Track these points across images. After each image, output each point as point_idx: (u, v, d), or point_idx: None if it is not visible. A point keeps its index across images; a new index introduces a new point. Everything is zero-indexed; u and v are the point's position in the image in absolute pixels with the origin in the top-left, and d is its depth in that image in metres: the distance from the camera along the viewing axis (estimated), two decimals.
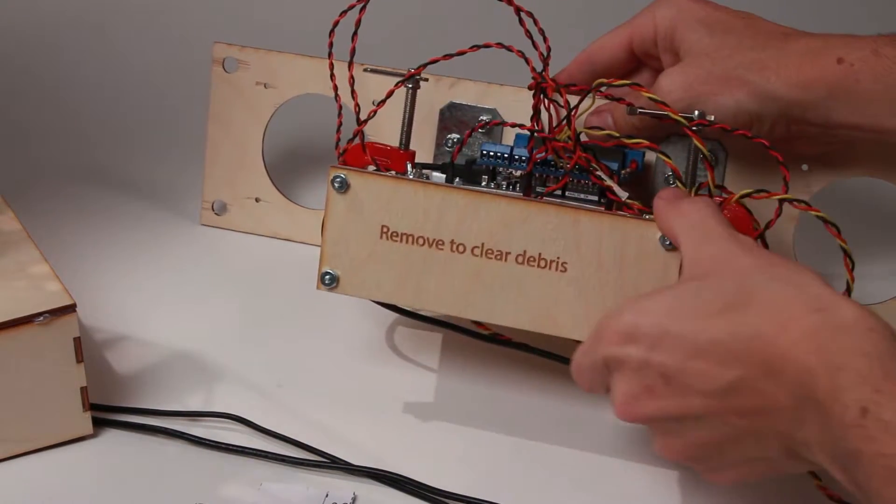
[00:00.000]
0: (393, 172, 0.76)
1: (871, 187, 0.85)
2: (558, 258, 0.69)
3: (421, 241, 0.70)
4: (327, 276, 0.72)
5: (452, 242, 0.70)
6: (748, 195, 0.69)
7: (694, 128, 0.70)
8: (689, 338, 0.59)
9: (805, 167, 0.82)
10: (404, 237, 0.70)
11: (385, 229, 0.70)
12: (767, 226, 0.72)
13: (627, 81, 0.72)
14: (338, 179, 0.70)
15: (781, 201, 0.70)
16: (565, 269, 0.69)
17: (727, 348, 0.58)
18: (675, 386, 0.59)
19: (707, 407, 0.59)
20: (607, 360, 0.62)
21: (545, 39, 0.77)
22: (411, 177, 0.76)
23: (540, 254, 0.69)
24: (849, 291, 0.69)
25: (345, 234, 0.71)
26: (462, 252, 0.70)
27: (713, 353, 0.58)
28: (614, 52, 0.81)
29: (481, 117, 0.85)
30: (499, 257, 0.69)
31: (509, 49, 0.76)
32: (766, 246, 0.71)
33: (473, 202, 0.69)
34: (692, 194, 0.71)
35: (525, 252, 0.69)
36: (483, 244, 0.69)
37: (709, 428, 0.60)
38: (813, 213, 0.68)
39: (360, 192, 0.70)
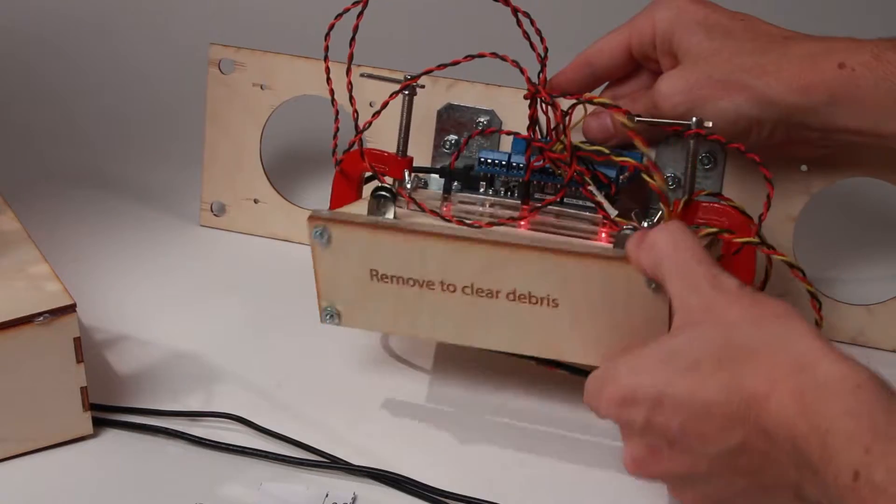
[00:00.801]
0: (372, 218, 0.73)
1: (871, 187, 0.85)
2: (548, 296, 0.67)
3: (411, 282, 0.69)
4: (327, 313, 0.72)
5: (442, 283, 0.69)
6: (713, 234, 0.70)
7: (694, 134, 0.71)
8: (686, 401, 0.58)
9: (804, 168, 0.82)
10: (394, 279, 0.69)
11: (374, 272, 0.69)
12: (760, 218, 0.72)
13: (608, 101, 0.72)
14: (317, 230, 0.69)
15: (744, 244, 0.70)
16: (556, 305, 0.67)
17: (724, 411, 0.57)
18: (680, 448, 0.59)
19: (712, 468, 0.59)
20: (610, 419, 0.62)
21: (542, 40, 0.77)
22: (409, 188, 0.77)
23: (530, 292, 0.67)
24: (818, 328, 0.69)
25: (335, 278, 0.71)
26: (453, 291, 0.69)
27: (712, 417, 0.57)
28: (613, 55, 0.81)
29: (479, 119, 0.85)
30: (490, 295, 0.68)
31: (503, 59, 0.75)
32: (765, 243, 0.71)
33: (453, 249, 0.68)
34: (683, 203, 0.71)
35: (515, 290, 0.68)
36: (473, 284, 0.68)
37: (717, 484, 0.60)
38: (778, 257, 0.69)
39: (342, 240, 0.69)
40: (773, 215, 0.79)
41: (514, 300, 0.67)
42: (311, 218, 0.69)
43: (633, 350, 0.62)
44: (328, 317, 0.72)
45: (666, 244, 0.62)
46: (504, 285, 0.67)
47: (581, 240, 0.72)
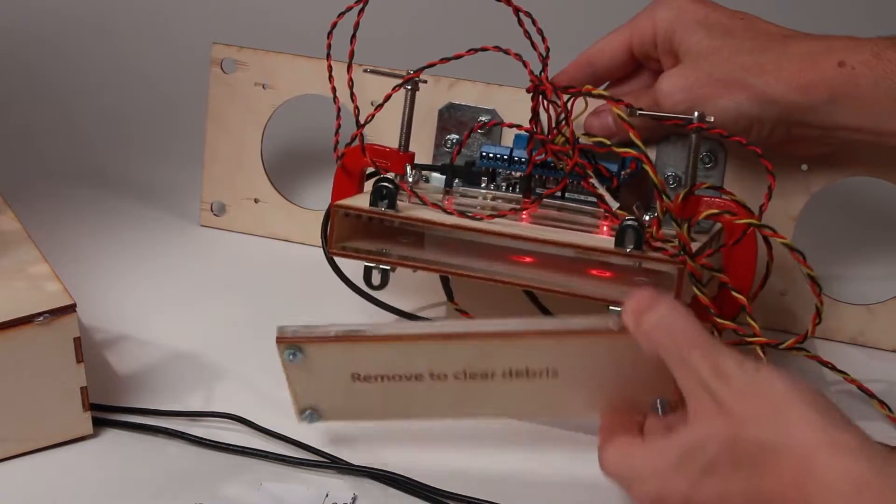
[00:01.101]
0: (344, 329, 0.67)
1: (871, 187, 0.85)
2: (547, 368, 0.65)
3: (398, 377, 0.66)
4: (305, 416, 0.69)
5: (431, 374, 0.66)
6: (714, 214, 0.70)
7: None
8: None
9: (804, 167, 0.82)
10: (378, 378, 0.67)
11: (356, 375, 0.67)
12: (761, 209, 0.73)
13: (606, 94, 0.72)
14: (290, 352, 0.67)
15: (747, 227, 0.70)
16: (557, 375, 0.65)
17: None
18: None
19: None
20: None
21: (544, 40, 0.77)
22: (410, 181, 0.76)
23: (527, 368, 0.65)
24: (818, 314, 0.68)
25: (312, 388, 0.68)
26: (444, 379, 0.66)
27: None
28: (614, 54, 0.81)
29: (480, 118, 0.85)
30: (484, 377, 0.65)
31: (506, 52, 0.76)
32: (766, 226, 0.70)
33: (437, 350, 0.65)
34: (682, 196, 0.70)
35: (510, 369, 0.65)
36: (464, 370, 0.66)
37: None
38: (779, 240, 0.69)
39: (317, 357, 0.67)
40: (773, 215, 0.79)
41: (510, 377, 0.65)
42: (279, 340, 0.66)
43: (657, 441, 0.62)
44: (307, 417, 0.69)
45: (659, 332, 0.61)
46: (499, 367, 0.65)
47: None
